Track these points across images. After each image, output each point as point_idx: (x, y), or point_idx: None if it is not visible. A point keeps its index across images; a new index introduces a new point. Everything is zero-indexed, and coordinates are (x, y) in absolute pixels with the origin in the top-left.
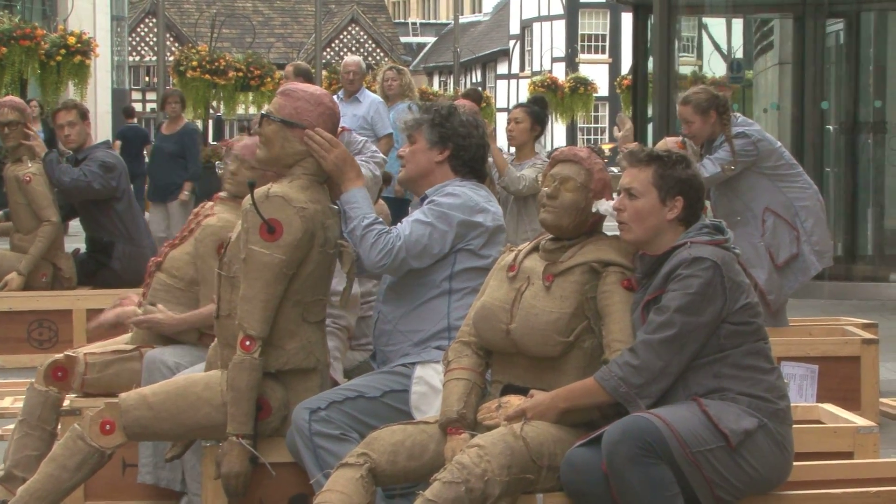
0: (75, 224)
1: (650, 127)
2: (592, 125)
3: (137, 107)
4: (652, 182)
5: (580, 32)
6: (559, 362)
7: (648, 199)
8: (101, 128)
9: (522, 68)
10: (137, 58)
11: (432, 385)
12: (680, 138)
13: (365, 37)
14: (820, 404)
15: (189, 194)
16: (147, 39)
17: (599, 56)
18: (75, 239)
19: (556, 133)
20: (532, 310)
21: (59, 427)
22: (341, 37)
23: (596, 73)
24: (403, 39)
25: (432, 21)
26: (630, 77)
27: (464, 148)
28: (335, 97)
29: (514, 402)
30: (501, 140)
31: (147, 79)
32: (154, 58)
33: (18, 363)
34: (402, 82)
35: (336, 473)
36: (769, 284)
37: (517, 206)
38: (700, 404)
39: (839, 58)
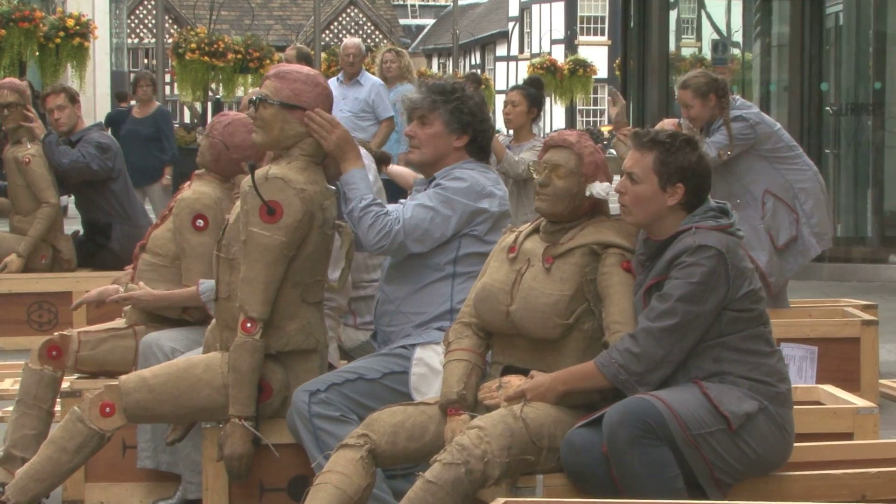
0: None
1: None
2: (591, 107)
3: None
4: (652, 168)
5: (579, 14)
6: (559, 344)
7: (649, 185)
8: (101, 110)
9: (521, 50)
10: (136, 40)
11: (432, 366)
12: (678, 121)
13: (364, 19)
14: (820, 385)
15: (170, 178)
16: (146, 22)
17: (599, 38)
18: (74, 221)
19: (556, 115)
20: (532, 292)
21: (59, 409)
22: (340, 19)
23: (595, 55)
24: (402, 21)
25: (431, 3)
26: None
27: (481, 133)
28: (335, 80)
29: (515, 382)
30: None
31: (146, 61)
32: (153, 40)
33: (18, 345)
34: (401, 64)
35: (336, 454)
36: (770, 267)
37: (517, 189)
38: (701, 387)
39: (838, 39)
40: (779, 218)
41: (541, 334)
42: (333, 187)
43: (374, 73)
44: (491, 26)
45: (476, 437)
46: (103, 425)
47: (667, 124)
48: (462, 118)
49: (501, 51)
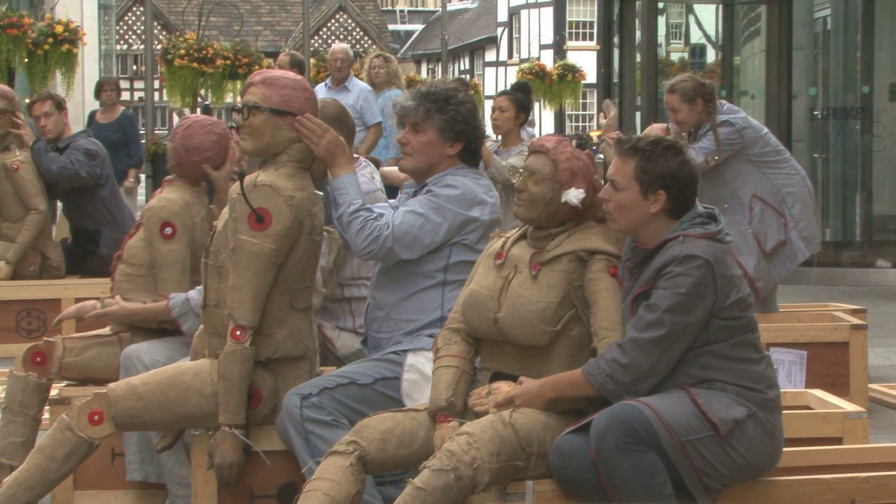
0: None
1: (637, 115)
2: (581, 112)
3: (125, 95)
4: (633, 175)
5: (568, 19)
6: (547, 350)
7: (630, 193)
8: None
9: (510, 55)
10: (125, 46)
11: (424, 373)
12: (666, 125)
13: (353, 24)
14: (809, 390)
15: (133, 181)
16: (135, 28)
17: (588, 43)
18: (63, 228)
19: (545, 120)
20: (519, 299)
21: (48, 416)
22: (329, 25)
23: (584, 60)
24: (391, 27)
25: (420, 9)
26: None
27: (474, 139)
28: (323, 85)
29: (504, 388)
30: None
31: (135, 67)
32: (142, 46)
33: (7, 353)
34: (389, 70)
35: (326, 461)
36: (758, 271)
37: (505, 193)
38: (690, 393)
39: (826, 43)
40: (766, 222)
41: (528, 341)
42: (321, 192)
43: (362, 79)
44: (480, 32)
45: (465, 443)
46: (92, 433)
47: (655, 129)
48: (456, 126)
49: (490, 56)
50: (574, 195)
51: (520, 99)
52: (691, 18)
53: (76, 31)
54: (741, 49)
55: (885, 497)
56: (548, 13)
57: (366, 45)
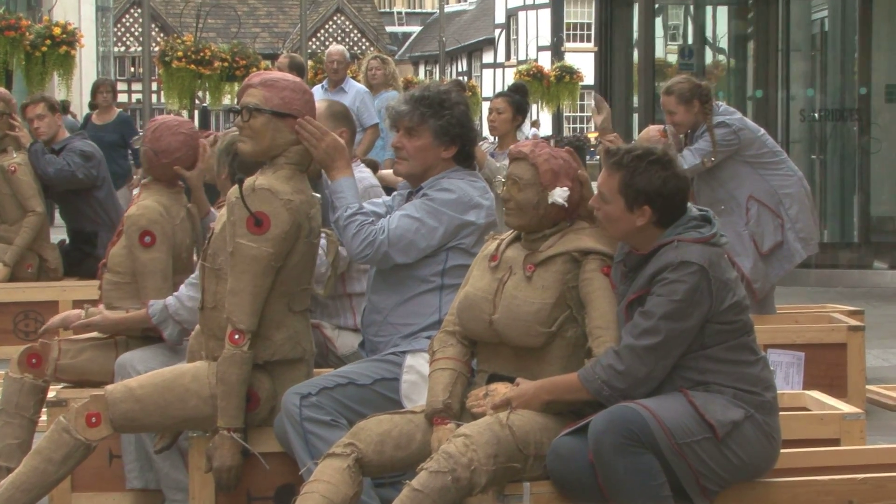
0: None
1: (636, 116)
2: (578, 114)
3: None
4: (618, 190)
5: (566, 21)
6: (543, 352)
7: (616, 206)
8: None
9: (508, 57)
10: (123, 48)
11: (423, 374)
12: (662, 127)
13: (350, 26)
14: (806, 391)
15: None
16: (132, 30)
17: (585, 45)
18: (61, 230)
19: (543, 122)
20: (514, 300)
21: (45, 418)
22: (326, 26)
23: (582, 61)
24: (389, 29)
25: (417, 10)
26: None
27: (469, 141)
28: (320, 87)
29: (501, 389)
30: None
31: (132, 69)
32: (139, 48)
33: (4, 354)
34: (386, 71)
35: (323, 463)
36: (754, 273)
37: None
38: (687, 395)
39: (823, 45)
40: (763, 223)
41: (524, 342)
42: (318, 195)
43: (359, 81)
44: (477, 33)
45: (462, 445)
46: (89, 435)
47: (652, 131)
48: (451, 130)
49: (488, 58)
50: (559, 194)
51: (517, 101)
52: (689, 19)
53: (74, 34)
54: (738, 50)
55: (883, 498)
56: (545, 15)
57: (363, 47)
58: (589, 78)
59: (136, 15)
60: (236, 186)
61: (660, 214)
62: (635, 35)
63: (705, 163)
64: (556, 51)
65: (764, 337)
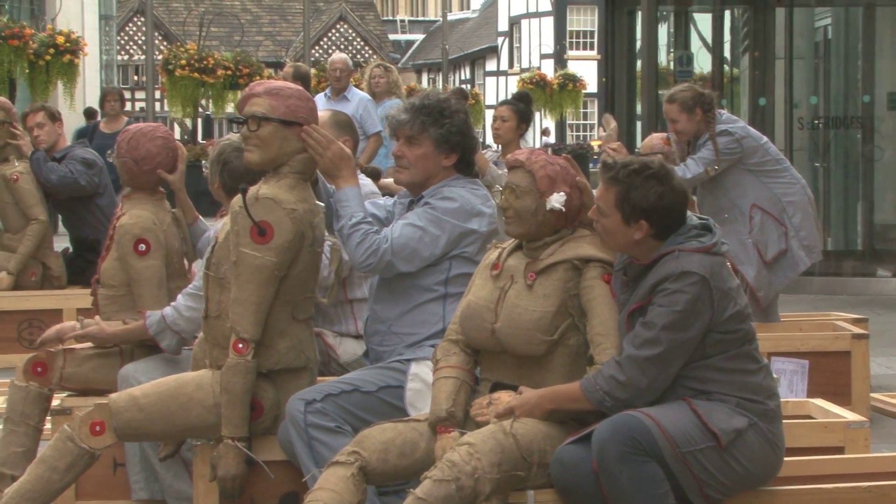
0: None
1: (639, 124)
2: (581, 122)
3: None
4: (614, 204)
5: (569, 29)
6: (545, 360)
7: (613, 220)
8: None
9: (511, 65)
10: (126, 57)
11: (427, 382)
12: (666, 135)
13: (353, 34)
14: (810, 399)
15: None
16: (136, 38)
17: (588, 52)
18: (64, 238)
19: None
20: (515, 309)
21: (50, 426)
22: (329, 35)
23: (585, 69)
24: (392, 37)
25: (420, 18)
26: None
27: (469, 149)
28: (323, 95)
29: (504, 398)
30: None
31: (136, 78)
32: (143, 56)
33: (8, 363)
34: (390, 79)
35: (327, 472)
36: (758, 281)
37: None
38: (690, 404)
39: (827, 52)
40: (767, 231)
41: (526, 351)
42: (322, 203)
43: (362, 89)
44: (480, 41)
45: (466, 453)
46: (93, 444)
47: (655, 139)
48: (452, 139)
49: (491, 66)
50: (556, 200)
51: (521, 109)
52: (690, 27)
53: (77, 42)
54: (740, 58)
55: None
56: (548, 23)
57: (366, 55)
58: (592, 86)
59: (139, 23)
60: (239, 196)
61: (657, 228)
62: (638, 43)
63: (709, 171)
64: (559, 59)
65: (768, 345)
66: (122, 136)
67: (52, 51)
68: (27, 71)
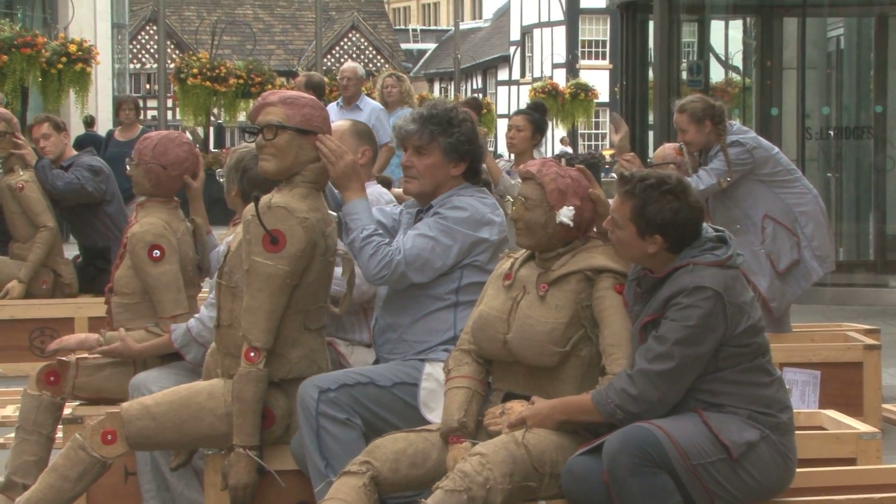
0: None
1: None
2: (593, 131)
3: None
4: (629, 218)
5: (580, 38)
6: (557, 371)
7: (628, 233)
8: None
9: (523, 74)
10: (138, 65)
11: (441, 382)
12: (678, 145)
13: (365, 43)
14: (822, 410)
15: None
16: (148, 47)
17: (600, 62)
18: (74, 247)
19: (558, 139)
20: (528, 320)
21: (61, 435)
22: (342, 43)
23: (596, 79)
24: (404, 46)
25: (433, 27)
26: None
27: (478, 158)
28: (335, 104)
29: (517, 408)
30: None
31: (148, 86)
32: (155, 65)
33: (20, 371)
34: (402, 89)
35: (338, 482)
36: (771, 291)
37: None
38: (702, 416)
39: (839, 62)
40: (779, 242)
41: (538, 362)
42: (335, 213)
43: (374, 98)
44: (492, 50)
45: (478, 463)
46: (105, 453)
47: (668, 149)
48: (461, 147)
49: (503, 75)
50: (565, 214)
51: (536, 119)
52: (702, 37)
53: (90, 51)
54: (752, 68)
55: None
56: (560, 32)
57: (378, 64)
58: (604, 95)
59: (151, 32)
60: (252, 204)
61: (672, 242)
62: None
63: (721, 183)
64: (571, 68)
65: (780, 355)
66: (144, 143)
67: (64, 59)
68: (39, 79)
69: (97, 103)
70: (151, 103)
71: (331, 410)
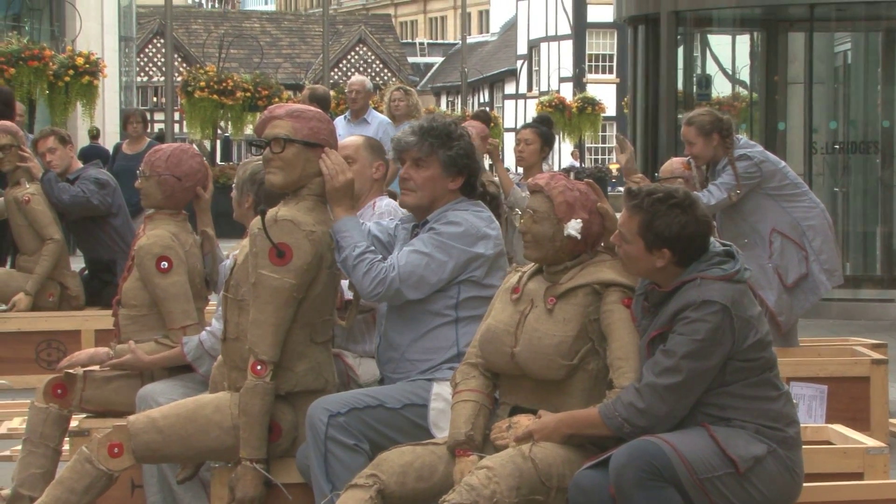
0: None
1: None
2: (600, 145)
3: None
4: (637, 232)
5: (587, 52)
6: (564, 384)
7: (636, 247)
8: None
9: (530, 88)
10: (146, 78)
11: (450, 401)
12: (685, 159)
13: (372, 57)
14: (829, 425)
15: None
16: (155, 60)
17: (607, 76)
18: (80, 259)
19: (564, 153)
20: (535, 333)
21: (68, 447)
22: (349, 57)
23: (603, 93)
24: (411, 59)
25: (440, 41)
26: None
27: (475, 172)
28: (342, 118)
29: (524, 422)
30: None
31: (155, 99)
32: (162, 78)
33: (27, 384)
34: (409, 103)
35: (345, 495)
36: (779, 306)
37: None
38: (709, 430)
39: (846, 77)
40: (787, 256)
41: (546, 375)
42: None
43: (382, 112)
44: (499, 64)
45: (485, 477)
46: (112, 466)
47: (675, 163)
48: (460, 161)
49: (510, 89)
50: (573, 227)
51: (544, 132)
52: (707, 51)
53: (97, 63)
54: (760, 82)
55: None
56: (567, 46)
57: (385, 78)
58: (611, 109)
59: (158, 45)
60: (258, 218)
61: (679, 256)
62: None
63: (732, 197)
64: (578, 82)
65: (787, 369)
66: (156, 155)
67: (71, 72)
68: (47, 92)
69: (104, 116)
70: (158, 116)
71: (340, 435)
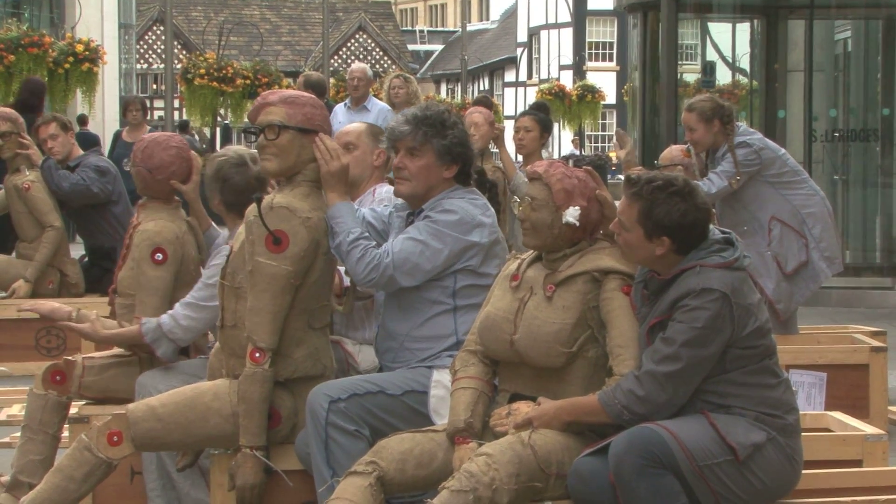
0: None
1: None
2: (600, 133)
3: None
4: (637, 220)
5: (587, 40)
6: (564, 372)
7: (635, 235)
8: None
9: (530, 76)
10: (145, 65)
11: (450, 389)
12: (685, 146)
13: (372, 44)
14: (828, 412)
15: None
16: (155, 47)
17: (607, 64)
18: (80, 246)
19: (564, 141)
20: (534, 321)
21: (67, 434)
22: (349, 44)
23: (603, 80)
24: (411, 47)
25: (440, 29)
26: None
27: (469, 160)
28: (342, 105)
29: (523, 409)
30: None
31: (155, 86)
32: (162, 65)
33: (26, 371)
34: (409, 90)
35: (345, 482)
36: (777, 293)
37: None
38: (708, 417)
39: (847, 65)
40: (787, 244)
41: (545, 363)
42: None
43: (382, 99)
44: (499, 52)
45: (484, 464)
46: (111, 454)
47: (675, 151)
48: (454, 150)
49: (510, 76)
50: (571, 214)
51: (543, 119)
52: (707, 38)
53: (97, 51)
54: (760, 70)
55: None
56: (567, 34)
57: (385, 65)
58: (611, 97)
59: (158, 32)
60: (254, 205)
61: (679, 244)
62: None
63: (732, 184)
64: (578, 70)
65: (786, 357)
66: (137, 145)
67: (71, 59)
68: (46, 79)
69: (104, 103)
70: (158, 103)
71: (340, 421)
